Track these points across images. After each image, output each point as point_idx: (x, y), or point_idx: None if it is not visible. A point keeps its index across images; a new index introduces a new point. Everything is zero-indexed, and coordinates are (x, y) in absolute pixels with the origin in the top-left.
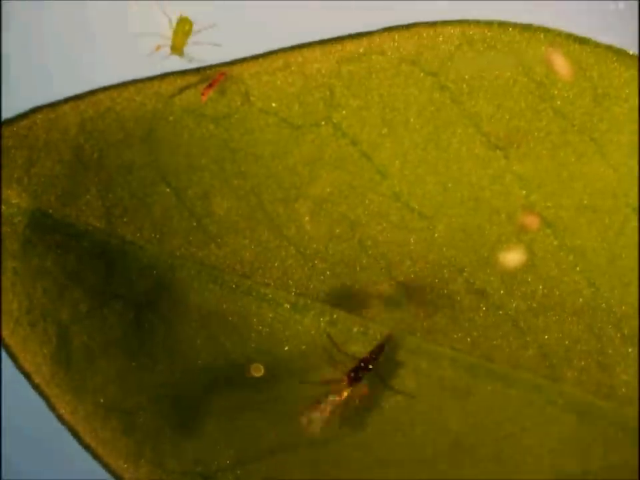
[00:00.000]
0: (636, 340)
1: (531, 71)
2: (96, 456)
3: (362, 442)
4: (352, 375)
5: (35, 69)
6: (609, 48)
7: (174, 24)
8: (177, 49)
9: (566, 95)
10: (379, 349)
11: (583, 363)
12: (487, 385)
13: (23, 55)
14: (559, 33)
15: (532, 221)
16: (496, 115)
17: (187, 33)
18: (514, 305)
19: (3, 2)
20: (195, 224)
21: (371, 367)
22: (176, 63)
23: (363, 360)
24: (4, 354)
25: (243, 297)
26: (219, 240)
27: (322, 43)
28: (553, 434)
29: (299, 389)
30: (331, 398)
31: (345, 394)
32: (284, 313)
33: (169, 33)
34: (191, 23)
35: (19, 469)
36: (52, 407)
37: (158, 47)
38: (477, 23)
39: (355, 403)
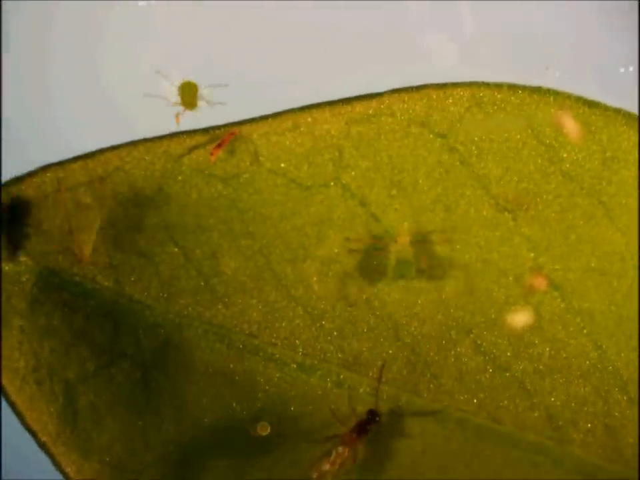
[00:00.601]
0: None
1: (540, 133)
2: None
3: None
4: (359, 427)
5: (44, 127)
6: (618, 111)
7: (177, 88)
8: (188, 103)
9: (575, 158)
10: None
11: (589, 425)
12: (493, 446)
13: (33, 113)
14: (568, 96)
15: (539, 283)
16: (505, 177)
17: (194, 93)
18: (521, 366)
19: (3, 2)
20: (202, 283)
21: (378, 419)
22: (185, 123)
23: (370, 412)
24: (10, 412)
25: (249, 356)
26: (227, 300)
27: (331, 103)
28: None
29: (304, 449)
30: (340, 450)
31: (353, 446)
32: (291, 372)
33: (176, 97)
34: (195, 85)
35: None
36: (58, 465)
37: (177, 116)
38: (487, 84)
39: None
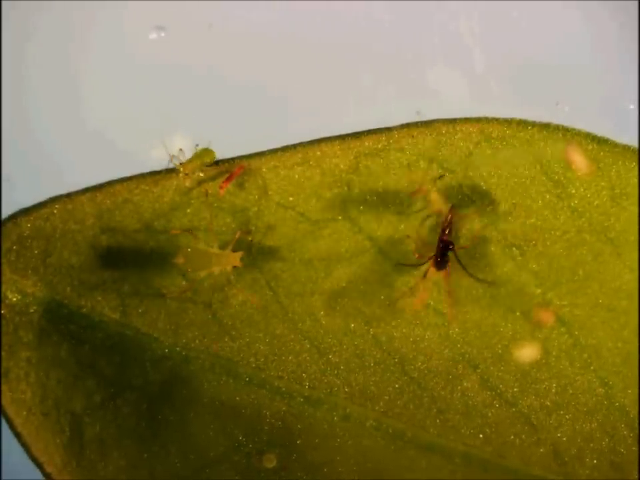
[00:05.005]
0: None
1: (549, 169)
2: None
3: None
4: (438, 258)
5: (53, 158)
6: (627, 148)
7: (197, 149)
8: (188, 171)
9: (583, 194)
10: (448, 224)
11: (595, 462)
12: None
13: (41, 145)
14: (577, 132)
15: (547, 319)
16: (513, 213)
17: (203, 164)
18: (527, 402)
19: (3, 2)
20: (210, 316)
21: (452, 246)
22: None
23: (441, 241)
24: (16, 442)
25: (256, 389)
26: (234, 332)
27: (340, 138)
28: None
29: None
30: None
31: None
32: (297, 406)
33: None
34: (213, 154)
35: None
36: None
37: (172, 158)
38: (496, 120)
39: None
